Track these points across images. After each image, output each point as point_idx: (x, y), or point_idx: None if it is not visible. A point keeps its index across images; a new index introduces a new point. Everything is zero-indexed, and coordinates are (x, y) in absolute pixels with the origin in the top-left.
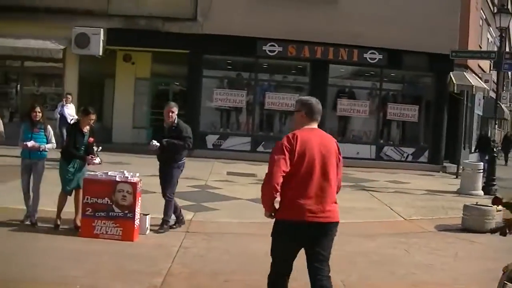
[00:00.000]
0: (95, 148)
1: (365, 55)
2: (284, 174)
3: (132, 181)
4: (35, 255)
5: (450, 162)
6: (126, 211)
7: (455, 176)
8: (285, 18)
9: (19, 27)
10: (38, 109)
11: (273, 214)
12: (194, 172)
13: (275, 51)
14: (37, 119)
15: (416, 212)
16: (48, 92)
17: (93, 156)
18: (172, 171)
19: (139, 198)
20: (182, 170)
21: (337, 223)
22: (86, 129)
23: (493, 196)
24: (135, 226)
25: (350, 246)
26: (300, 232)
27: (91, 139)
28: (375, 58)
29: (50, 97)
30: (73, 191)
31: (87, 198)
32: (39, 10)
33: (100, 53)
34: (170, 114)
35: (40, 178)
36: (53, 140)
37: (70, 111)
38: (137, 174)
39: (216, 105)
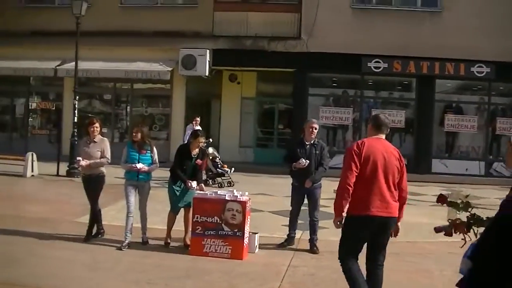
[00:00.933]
0: (227, 170)
1: (472, 69)
2: (356, 174)
3: (241, 200)
4: (146, 272)
5: None
6: (236, 230)
7: None
8: (389, 34)
9: (130, 50)
10: (135, 129)
11: (338, 223)
12: None
13: (380, 67)
14: (136, 139)
15: None
16: (156, 113)
17: (191, 181)
18: (317, 192)
19: (248, 217)
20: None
21: (396, 218)
22: (195, 151)
23: None
24: (244, 244)
25: None
26: (366, 225)
27: (199, 161)
28: (483, 72)
29: (158, 118)
30: (183, 209)
31: (197, 217)
32: (147, 34)
33: (207, 74)
34: (314, 130)
35: (146, 198)
36: (157, 161)
37: None
38: (246, 193)
39: (322, 123)
